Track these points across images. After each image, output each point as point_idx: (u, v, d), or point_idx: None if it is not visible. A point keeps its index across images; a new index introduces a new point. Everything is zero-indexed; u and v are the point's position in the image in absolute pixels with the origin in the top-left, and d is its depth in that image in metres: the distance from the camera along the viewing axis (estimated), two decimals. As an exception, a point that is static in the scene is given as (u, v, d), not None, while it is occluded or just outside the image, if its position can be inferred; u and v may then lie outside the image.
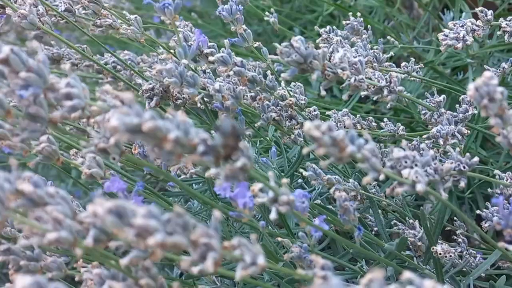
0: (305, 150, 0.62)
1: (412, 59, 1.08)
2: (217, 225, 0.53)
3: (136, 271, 0.63)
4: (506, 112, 0.69)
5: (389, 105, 1.26)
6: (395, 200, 1.15)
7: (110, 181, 0.72)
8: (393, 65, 1.07)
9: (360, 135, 0.66)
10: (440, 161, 0.82)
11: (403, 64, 1.07)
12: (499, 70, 1.11)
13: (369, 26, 1.23)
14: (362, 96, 0.92)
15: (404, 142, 0.76)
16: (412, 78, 1.08)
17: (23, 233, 0.55)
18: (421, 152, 0.76)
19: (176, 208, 0.49)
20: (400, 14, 1.64)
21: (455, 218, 1.24)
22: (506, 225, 0.74)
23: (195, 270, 0.60)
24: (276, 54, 0.76)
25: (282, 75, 0.79)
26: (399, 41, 1.44)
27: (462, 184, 0.82)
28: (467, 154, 0.83)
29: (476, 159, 0.83)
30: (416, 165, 0.73)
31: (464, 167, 0.82)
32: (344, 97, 0.86)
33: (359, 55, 0.95)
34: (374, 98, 0.91)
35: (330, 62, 0.81)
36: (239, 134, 0.56)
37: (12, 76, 0.58)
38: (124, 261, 0.58)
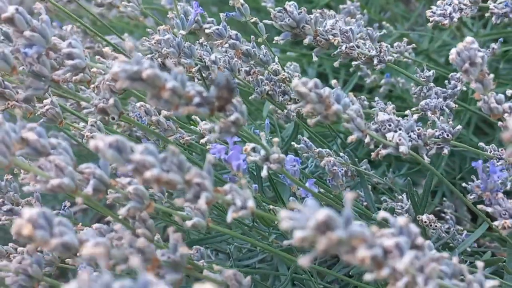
0: (293, 107, 0.66)
1: (405, 39, 1.12)
2: (210, 168, 0.57)
3: (133, 223, 0.66)
4: (486, 77, 0.73)
5: (382, 89, 1.30)
6: (385, 179, 1.19)
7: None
8: (388, 45, 1.11)
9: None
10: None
11: (396, 44, 1.10)
12: (489, 50, 1.15)
13: (365, 11, 1.27)
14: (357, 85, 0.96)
15: (390, 107, 0.80)
16: (404, 59, 1.12)
17: (27, 180, 0.59)
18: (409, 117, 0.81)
19: (170, 147, 0.53)
20: (396, 5, 1.67)
21: (444, 199, 1.28)
22: (485, 188, 0.78)
23: (189, 223, 0.64)
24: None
25: (276, 38, 0.82)
26: (393, 32, 1.49)
27: (445, 151, 0.86)
28: (451, 123, 0.88)
29: (459, 127, 0.87)
30: (400, 128, 0.77)
31: (447, 135, 0.86)
32: (336, 64, 0.90)
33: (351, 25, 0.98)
34: (369, 72, 0.94)
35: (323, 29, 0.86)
36: (233, 87, 0.60)
37: (17, 35, 0.62)
38: (122, 211, 0.62)
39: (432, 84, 1.02)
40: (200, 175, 0.55)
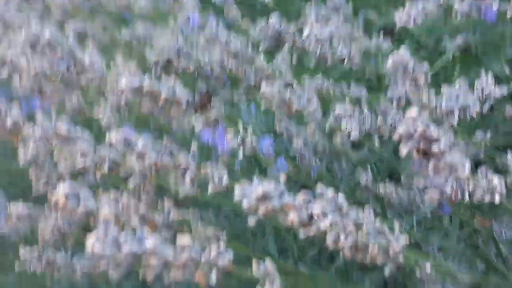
0: (262, 107, 0.86)
1: (382, 32, 1.29)
2: (194, 154, 0.78)
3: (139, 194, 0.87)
4: (419, 80, 0.92)
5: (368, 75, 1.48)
6: (361, 155, 1.38)
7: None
8: (367, 40, 1.28)
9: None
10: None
11: (373, 39, 1.28)
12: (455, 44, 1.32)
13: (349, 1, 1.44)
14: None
15: (346, 99, 1.00)
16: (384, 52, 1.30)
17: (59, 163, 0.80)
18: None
19: (165, 140, 0.74)
20: None
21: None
22: (418, 166, 0.99)
23: (182, 194, 0.85)
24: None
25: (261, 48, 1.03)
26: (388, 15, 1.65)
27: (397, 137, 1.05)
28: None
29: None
30: (352, 117, 0.97)
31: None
32: (311, 65, 1.09)
33: (325, 32, 1.17)
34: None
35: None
36: (211, 95, 0.80)
37: (52, 53, 0.82)
38: (130, 183, 0.83)
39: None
40: (187, 159, 0.76)
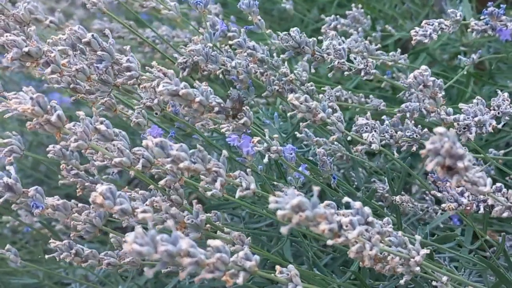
0: (289, 114, 0.89)
1: (399, 50, 1.33)
2: (224, 160, 0.80)
3: (168, 191, 0.90)
4: (438, 95, 0.95)
5: (383, 85, 1.51)
6: (377, 163, 1.41)
7: (151, 128, 1.01)
8: (384, 53, 1.32)
9: (331, 107, 0.94)
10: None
11: (391, 53, 1.32)
12: (470, 59, 1.35)
13: (368, 16, 1.48)
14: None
15: (368, 114, 1.03)
16: (399, 65, 1.33)
17: (96, 158, 0.83)
18: (383, 122, 1.04)
19: (198, 146, 0.76)
20: (411, 0, 1.82)
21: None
22: (437, 178, 1.02)
23: (208, 193, 0.88)
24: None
25: (281, 56, 1.05)
26: (404, 28, 1.68)
27: (414, 148, 1.08)
28: (419, 126, 1.10)
29: (425, 130, 1.09)
30: (375, 130, 1.00)
31: (416, 136, 1.08)
32: (330, 74, 1.13)
33: (344, 44, 1.20)
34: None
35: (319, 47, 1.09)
36: (243, 101, 0.83)
37: (91, 53, 0.85)
38: (161, 182, 0.86)
39: (413, 90, 1.23)
40: (217, 165, 0.79)
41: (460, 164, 0.67)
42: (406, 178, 1.30)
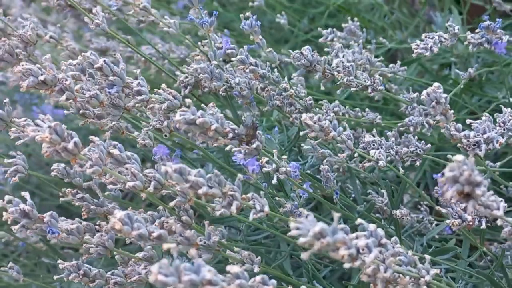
0: (302, 133, 0.90)
1: (399, 62, 1.35)
2: (239, 183, 0.81)
3: (178, 212, 0.91)
4: (448, 111, 0.96)
5: (376, 97, 1.53)
6: (373, 174, 1.43)
7: (157, 147, 1.01)
8: (383, 65, 1.33)
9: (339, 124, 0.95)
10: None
11: (390, 65, 1.33)
12: (466, 74, 1.37)
13: (364, 29, 1.49)
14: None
15: (374, 131, 1.04)
16: (396, 77, 1.35)
17: (109, 180, 0.84)
18: (389, 138, 1.05)
19: (215, 171, 0.77)
20: (400, 11, 1.86)
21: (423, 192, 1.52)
22: (441, 194, 1.03)
23: (217, 213, 0.88)
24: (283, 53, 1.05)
25: (293, 74, 1.07)
26: (394, 38, 1.70)
27: (418, 163, 1.10)
28: (423, 141, 1.11)
29: (429, 145, 1.10)
30: (381, 147, 1.02)
31: (420, 151, 1.10)
32: (338, 91, 1.14)
33: (352, 61, 1.21)
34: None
35: (329, 65, 1.11)
36: (257, 127, 0.84)
37: (102, 78, 0.85)
38: (171, 203, 0.87)
39: (415, 104, 1.25)
40: (233, 189, 0.79)
41: (478, 191, 0.69)
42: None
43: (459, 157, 0.69)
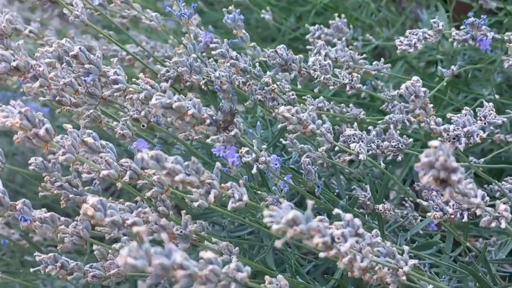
0: (279, 126, 0.89)
1: (382, 59, 1.34)
2: (218, 172, 0.80)
3: (155, 202, 0.90)
4: (428, 105, 0.96)
5: (363, 95, 1.52)
6: (357, 170, 1.42)
7: (137, 141, 1.00)
8: (367, 62, 1.33)
9: (320, 118, 0.94)
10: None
11: (374, 63, 1.33)
12: (449, 71, 1.37)
13: (351, 26, 1.49)
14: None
15: (355, 125, 1.03)
16: (382, 74, 1.35)
17: (84, 170, 0.83)
18: (370, 132, 1.04)
19: (193, 158, 0.76)
20: (387, 8, 1.86)
21: (408, 188, 1.51)
22: (423, 187, 1.03)
23: (195, 204, 0.87)
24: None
25: (267, 73, 1.06)
26: (381, 35, 1.70)
27: (399, 158, 1.09)
28: (405, 136, 1.11)
29: (410, 140, 1.10)
30: (362, 141, 1.01)
31: (401, 146, 1.09)
32: (316, 90, 1.13)
33: (333, 58, 1.20)
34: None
35: (306, 64, 1.10)
36: (234, 113, 0.83)
37: (78, 66, 0.85)
38: (148, 193, 0.86)
39: (396, 102, 1.24)
40: (211, 177, 0.79)
41: (454, 177, 0.68)
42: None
43: (434, 142, 0.68)
